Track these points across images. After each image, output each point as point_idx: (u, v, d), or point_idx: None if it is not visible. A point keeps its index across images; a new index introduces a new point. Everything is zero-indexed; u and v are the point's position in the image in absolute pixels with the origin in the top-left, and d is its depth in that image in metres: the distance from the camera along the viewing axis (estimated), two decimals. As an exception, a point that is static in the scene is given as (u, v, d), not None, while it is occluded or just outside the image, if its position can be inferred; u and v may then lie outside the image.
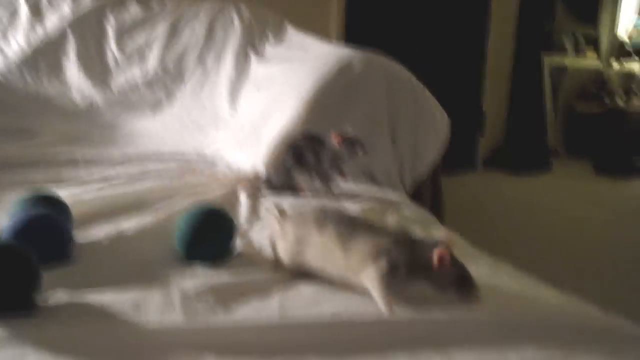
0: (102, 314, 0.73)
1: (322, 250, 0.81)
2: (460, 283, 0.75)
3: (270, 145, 1.54)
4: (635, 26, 5.13)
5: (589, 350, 0.68)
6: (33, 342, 0.63)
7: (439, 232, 0.79)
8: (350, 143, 1.32)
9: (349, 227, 0.80)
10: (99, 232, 1.04)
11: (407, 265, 0.75)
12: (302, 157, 1.35)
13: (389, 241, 0.77)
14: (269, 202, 1.27)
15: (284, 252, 0.88)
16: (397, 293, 0.77)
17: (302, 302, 0.79)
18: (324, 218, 0.83)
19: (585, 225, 2.99)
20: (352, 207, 1.25)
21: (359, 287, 0.78)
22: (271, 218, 1.08)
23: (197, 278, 0.85)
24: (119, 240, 0.99)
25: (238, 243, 0.99)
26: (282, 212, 1.12)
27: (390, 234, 0.79)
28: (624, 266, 2.43)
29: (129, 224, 1.07)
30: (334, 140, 1.31)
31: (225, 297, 0.79)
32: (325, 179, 1.37)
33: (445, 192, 1.99)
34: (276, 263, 0.90)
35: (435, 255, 0.73)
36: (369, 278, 0.76)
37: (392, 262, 0.74)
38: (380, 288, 0.75)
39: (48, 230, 0.87)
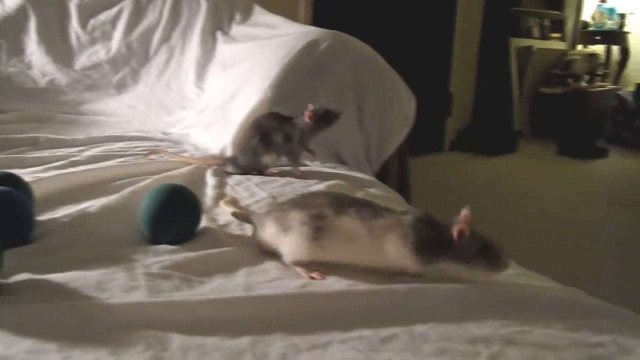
0: (65, 293, 0.72)
1: (344, 235, 0.78)
2: (485, 253, 0.76)
3: (237, 125, 1.53)
4: (599, 11, 5.21)
5: (548, 324, 0.70)
6: (-6, 321, 0.62)
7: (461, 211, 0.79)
8: (323, 113, 1.32)
9: (368, 210, 0.79)
10: (62, 211, 1.02)
11: (431, 243, 0.76)
12: (269, 137, 1.34)
13: (413, 219, 0.77)
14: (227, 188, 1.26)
15: (290, 242, 0.82)
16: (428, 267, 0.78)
17: (267, 279, 0.79)
18: (339, 203, 0.80)
19: (548, 205, 3.06)
20: (318, 186, 1.25)
21: (385, 268, 0.78)
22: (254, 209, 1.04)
23: (162, 256, 0.84)
24: (82, 219, 0.97)
25: (203, 222, 0.99)
26: (234, 201, 1.10)
27: (410, 213, 0.79)
28: (585, 244, 2.50)
29: (93, 203, 1.05)
30: (305, 117, 1.31)
31: (189, 274, 0.78)
32: (294, 158, 1.36)
33: (412, 172, 2.01)
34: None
35: (455, 230, 0.74)
36: (395, 242, 0.76)
37: (418, 239, 0.76)
38: (414, 265, 0.76)
39: (8, 208, 0.85)
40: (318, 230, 0.79)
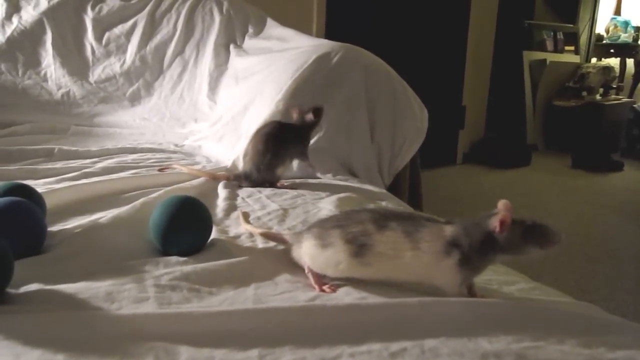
0: (75, 303, 0.72)
1: (387, 250, 0.76)
2: (532, 235, 0.74)
3: (248, 137, 1.53)
4: (613, 24, 5.19)
5: (561, 339, 0.68)
6: (3, 331, 0.62)
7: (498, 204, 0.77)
8: (310, 110, 1.36)
9: (410, 222, 0.77)
10: (73, 222, 1.02)
11: (477, 247, 0.74)
12: (281, 147, 1.34)
13: (455, 230, 0.76)
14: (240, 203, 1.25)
15: (327, 259, 0.80)
16: (476, 276, 0.78)
17: (277, 291, 0.79)
18: (381, 218, 0.78)
19: (562, 218, 3.03)
20: (329, 199, 1.25)
21: (429, 284, 0.77)
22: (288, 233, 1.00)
23: (172, 268, 0.84)
24: (93, 230, 0.98)
25: (214, 233, 0.98)
26: (245, 215, 1.10)
27: (451, 222, 0.77)
28: (599, 258, 2.47)
29: (104, 214, 1.06)
30: (293, 114, 1.36)
31: (199, 286, 0.78)
32: (306, 157, 1.39)
33: (425, 184, 2.00)
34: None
35: (497, 221, 0.72)
36: (443, 275, 0.75)
37: (463, 252, 0.74)
38: (455, 285, 0.75)
39: (20, 218, 0.86)
40: (361, 247, 0.77)
